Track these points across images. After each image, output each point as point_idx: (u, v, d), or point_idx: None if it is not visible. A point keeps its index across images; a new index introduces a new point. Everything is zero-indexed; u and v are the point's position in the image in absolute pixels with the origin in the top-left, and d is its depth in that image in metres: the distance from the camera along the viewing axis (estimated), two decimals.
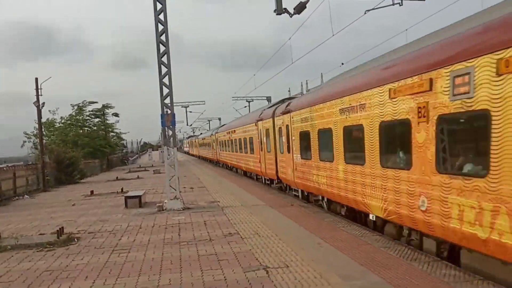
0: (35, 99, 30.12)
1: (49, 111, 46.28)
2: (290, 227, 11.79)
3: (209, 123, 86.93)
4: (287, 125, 17.91)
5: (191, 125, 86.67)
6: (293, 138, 17.03)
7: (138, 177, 35.00)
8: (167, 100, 16.53)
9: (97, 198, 21.89)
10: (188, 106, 66.72)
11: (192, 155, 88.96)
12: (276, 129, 20.01)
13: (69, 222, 14.71)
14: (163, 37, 16.32)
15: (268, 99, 51.73)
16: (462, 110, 6.93)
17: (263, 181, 24.63)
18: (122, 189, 24.53)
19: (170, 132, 16.94)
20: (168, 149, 16.98)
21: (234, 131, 33.23)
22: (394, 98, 8.95)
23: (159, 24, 16.22)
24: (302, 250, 9.25)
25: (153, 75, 16.39)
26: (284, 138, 18.50)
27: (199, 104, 66.38)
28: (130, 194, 18.76)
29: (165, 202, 16.33)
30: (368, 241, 9.79)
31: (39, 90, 29.97)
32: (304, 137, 15.54)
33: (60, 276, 8.42)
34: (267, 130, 21.75)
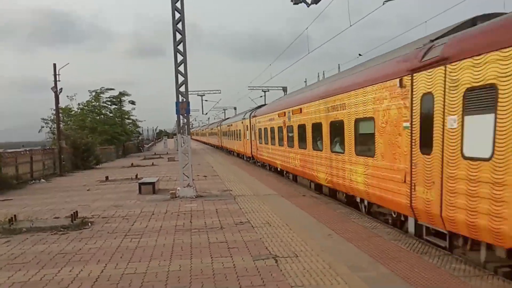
0: (53, 85, 30.45)
1: (67, 96, 46.75)
2: (301, 217, 11.80)
3: (224, 112, 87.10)
4: (253, 124, 30.94)
5: (206, 113, 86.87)
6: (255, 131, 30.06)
7: (152, 164, 35.30)
8: (182, 88, 16.58)
9: (111, 184, 22.15)
10: (204, 95, 66.78)
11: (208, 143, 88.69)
12: (251, 125, 31.83)
13: (84, 206, 14.93)
14: (179, 25, 16.32)
15: (284, 89, 51.59)
16: None
17: (245, 158, 37.31)
18: (136, 175, 24.77)
19: (185, 120, 17.02)
20: (182, 137, 17.07)
21: (232, 124, 43.89)
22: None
23: (175, 12, 16.21)
24: (312, 240, 9.27)
25: (170, 63, 16.44)
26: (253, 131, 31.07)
27: (214, 93, 66.40)
28: (144, 180, 18.94)
29: (178, 190, 16.46)
30: (379, 233, 9.76)
31: (57, 76, 30.30)
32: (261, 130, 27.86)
33: (73, 259, 8.56)
34: (247, 126, 33.34)
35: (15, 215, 12.37)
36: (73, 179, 26.45)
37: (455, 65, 7.54)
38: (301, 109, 17.73)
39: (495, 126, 6.53)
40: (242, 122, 36.91)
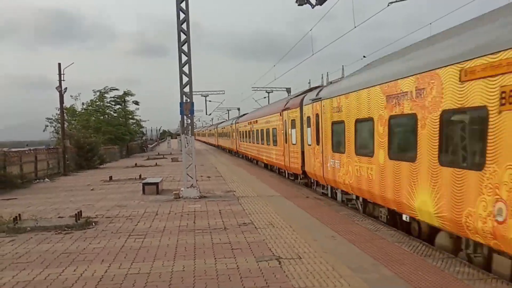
0: (56, 84, 30.53)
1: (71, 96, 46.93)
2: (305, 219, 11.81)
3: (228, 113, 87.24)
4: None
5: (210, 114, 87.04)
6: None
7: (156, 165, 35.36)
8: (187, 89, 16.61)
9: (115, 184, 22.21)
10: (207, 95, 66.92)
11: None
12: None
13: (88, 206, 14.98)
14: (184, 26, 16.36)
15: (288, 90, 51.63)
16: None
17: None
18: (140, 175, 24.82)
19: (189, 121, 17.04)
20: (186, 137, 17.10)
21: (256, 121, 31.69)
22: None
23: (180, 13, 16.26)
24: (315, 242, 9.28)
25: (174, 63, 16.47)
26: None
27: (218, 94, 66.55)
28: (147, 181, 18.98)
29: (182, 190, 16.49)
30: (382, 235, 9.76)
31: (62, 75, 30.39)
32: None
33: (77, 259, 8.60)
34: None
35: (19, 214, 12.41)
36: (77, 178, 26.53)
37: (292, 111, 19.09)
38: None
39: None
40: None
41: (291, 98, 22.78)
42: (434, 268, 7.34)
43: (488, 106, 6.63)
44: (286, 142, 21.73)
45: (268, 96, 55.19)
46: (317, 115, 16.09)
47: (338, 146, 13.91)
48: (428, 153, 8.42)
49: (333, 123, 14.27)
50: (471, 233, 7.27)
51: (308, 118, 17.55)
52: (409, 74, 9.08)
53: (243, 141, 39.33)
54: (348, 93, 12.79)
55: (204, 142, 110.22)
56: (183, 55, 16.50)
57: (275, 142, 24.68)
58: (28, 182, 23.85)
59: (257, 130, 31.09)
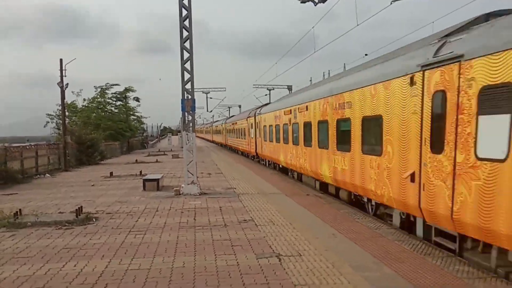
0: (59, 80, 30.56)
1: (72, 92, 46.91)
2: (305, 216, 11.82)
3: (229, 110, 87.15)
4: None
5: (211, 111, 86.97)
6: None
7: (157, 161, 35.39)
8: (188, 86, 16.61)
9: (116, 180, 22.22)
10: (209, 92, 66.94)
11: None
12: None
13: (88, 202, 14.99)
14: (186, 23, 16.35)
15: (289, 87, 51.56)
16: None
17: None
18: (140, 172, 24.84)
19: (190, 117, 17.04)
20: (187, 134, 17.10)
21: (236, 122, 43.66)
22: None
23: (183, 9, 16.24)
24: (316, 239, 9.28)
25: (176, 60, 16.48)
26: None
27: (220, 91, 66.50)
28: (148, 177, 18.98)
29: (182, 187, 16.50)
30: (383, 233, 9.76)
31: (63, 72, 30.40)
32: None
33: (78, 254, 8.61)
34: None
35: (20, 209, 12.44)
36: (78, 174, 26.55)
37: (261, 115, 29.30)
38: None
39: None
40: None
41: (252, 110, 35.08)
42: (434, 267, 7.34)
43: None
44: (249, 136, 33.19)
45: (269, 94, 55.14)
46: (258, 122, 30.45)
47: (267, 137, 26.71)
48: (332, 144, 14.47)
49: (264, 126, 27.28)
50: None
51: (257, 123, 31.06)
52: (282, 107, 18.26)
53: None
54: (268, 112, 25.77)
55: (209, 140, 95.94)
56: (185, 52, 16.49)
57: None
58: (29, 177, 23.89)
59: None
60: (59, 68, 30.24)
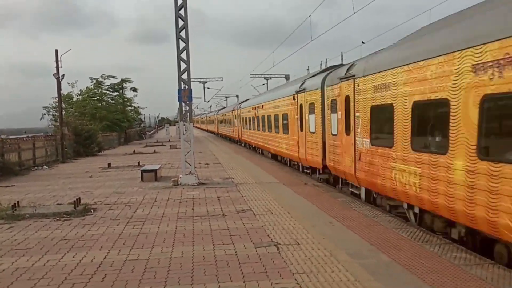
0: (55, 71, 30.40)
1: (68, 83, 46.72)
2: (303, 205, 11.85)
3: (226, 99, 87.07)
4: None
5: (208, 101, 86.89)
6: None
7: (154, 152, 35.38)
8: (185, 76, 16.55)
9: (114, 171, 22.22)
10: (206, 82, 66.78)
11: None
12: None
13: (86, 193, 14.99)
14: (181, 12, 16.23)
15: (287, 77, 51.53)
16: None
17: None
18: (138, 162, 24.82)
19: (187, 108, 17.00)
20: (184, 124, 17.06)
21: (225, 114, 41.25)
22: None
23: None
24: (313, 228, 9.32)
25: (173, 50, 16.35)
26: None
27: (217, 81, 66.41)
28: (146, 168, 18.98)
29: (180, 177, 16.51)
30: (380, 222, 9.80)
31: (59, 62, 30.22)
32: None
33: (76, 245, 8.63)
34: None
35: (18, 201, 12.44)
36: (75, 165, 26.53)
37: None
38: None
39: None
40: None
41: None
42: (431, 254, 7.38)
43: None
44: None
45: (267, 83, 55.08)
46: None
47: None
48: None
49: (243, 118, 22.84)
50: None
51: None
52: None
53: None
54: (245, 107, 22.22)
55: (205, 130, 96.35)
56: (181, 42, 16.40)
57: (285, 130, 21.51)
58: (26, 169, 23.85)
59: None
60: (55, 59, 30.07)
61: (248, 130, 35.11)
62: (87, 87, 49.26)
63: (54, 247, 8.57)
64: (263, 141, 28.43)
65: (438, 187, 8.17)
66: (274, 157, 26.34)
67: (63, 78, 30.97)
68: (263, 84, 56.30)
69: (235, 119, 42.73)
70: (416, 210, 9.59)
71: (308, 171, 18.52)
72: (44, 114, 43.90)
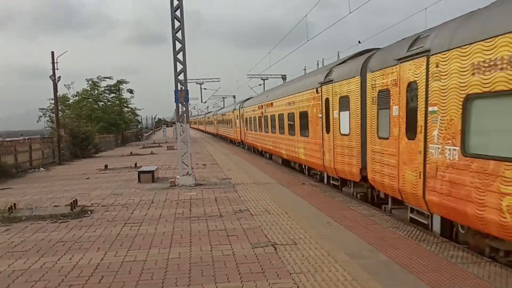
0: (57, 73, 30.39)
1: (64, 85, 46.64)
2: (300, 205, 11.84)
3: (223, 100, 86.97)
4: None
5: (205, 102, 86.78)
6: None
7: (151, 153, 35.32)
8: (181, 76, 16.52)
9: (111, 172, 22.17)
10: (203, 83, 66.65)
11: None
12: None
13: (83, 195, 14.95)
14: (178, 13, 16.22)
15: (283, 77, 51.55)
16: None
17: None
18: (135, 164, 24.79)
19: (184, 109, 16.98)
20: (181, 125, 17.04)
21: (225, 114, 36.91)
22: None
23: None
24: (311, 228, 9.31)
25: (170, 51, 16.33)
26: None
27: (214, 81, 66.27)
28: (143, 169, 18.94)
29: (177, 178, 16.49)
30: (378, 221, 9.80)
31: (55, 64, 30.16)
32: None
33: (73, 247, 8.60)
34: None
35: (14, 204, 12.40)
36: (72, 167, 26.46)
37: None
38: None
39: None
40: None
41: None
42: (428, 252, 7.39)
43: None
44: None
45: (264, 83, 55.07)
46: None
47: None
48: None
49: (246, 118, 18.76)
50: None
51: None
52: None
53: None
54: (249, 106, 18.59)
55: (203, 131, 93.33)
56: (177, 43, 16.38)
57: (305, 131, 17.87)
58: (23, 171, 23.77)
59: None
60: (51, 61, 30.01)
61: (252, 132, 31.23)
62: (83, 89, 49.19)
63: (51, 249, 8.54)
64: (272, 144, 24.27)
65: None
66: (286, 163, 22.40)
67: (59, 80, 30.94)
68: (260, 85, 56.30)
69: (237, 119, 39.08)
70: None
71: (336, 183, 14.95)
72: (41, 116, 43.83)
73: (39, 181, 19.99)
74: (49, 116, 42.19)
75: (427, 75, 8.53)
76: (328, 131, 14.82)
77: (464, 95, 7.36)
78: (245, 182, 16.57)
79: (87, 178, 20.06)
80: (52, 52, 30.18)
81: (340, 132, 13.74)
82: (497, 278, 6.17)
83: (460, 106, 7.46)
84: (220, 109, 65.10)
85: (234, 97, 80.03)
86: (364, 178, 12.24)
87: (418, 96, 8.87)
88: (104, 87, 50.89)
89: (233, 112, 42.40)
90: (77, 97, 48.11)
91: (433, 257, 7.15)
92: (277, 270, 6.79)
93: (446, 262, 6.88)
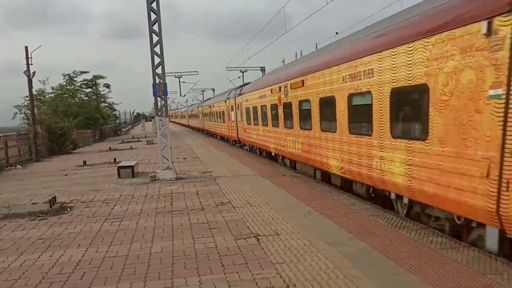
0: (32, 68, 29.84)
1: (39, 81, 45.82)
2: (281, 196, 11.90)
3: (202, 93, 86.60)
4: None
5: (184, 95, 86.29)
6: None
7: (131, 148, 35.01)
8: (159, 70, 16.37)
9: (89, 168, 21.91)
10: (181, 77, 66.17)
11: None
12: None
13: (62, 191, 14.76)
14: (154, 5, 16.03)
15: (262, 69, 51.47)
16: None
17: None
18: (115, 159, 24.54)
19: (162, 102, 16.85)
20: (160, 119, 16.92)
21: (213, 105, 41.37)
22: None
23: None
24: (292, 218, 9.38)
25: (147, 44, 16.14)
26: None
27: (192, 75, 65.84)
28: (122, 164, 18.76)
29: (158, 172, 16.39)
30: (358, 209, 9.92)
31: (30, 59, 29.59)
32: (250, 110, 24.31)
33: (53, 244, 8.50)
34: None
35: None
36: (50, 164, 26.06)
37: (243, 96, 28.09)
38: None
39: None
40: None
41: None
42: (408, 239, 7.52)
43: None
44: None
45: (243, 76, 54.93)
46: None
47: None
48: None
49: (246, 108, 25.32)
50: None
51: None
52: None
53: None
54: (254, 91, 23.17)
55: (185, 125, 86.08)
56: (154, 35, 16.21)
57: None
58: None
59: None
60: (25, 56, 29.43)
61: (257, 127, 22.76)
62: (59, 84, 48.37)
63: (30, 247, 8.43)
64: (297, 146, 15.74)
65: None
66: (326, 176, 14.17)
67: (33, 75, 30.34)
68: (239, 77, 56.18)
69: (231, 111, 31.08)
70: None
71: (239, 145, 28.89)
72: (16, 113, 42.99)
73: (16, 178, 19.65)
74: (24, 113, 41.41)
75: (239, 102, 26.05)
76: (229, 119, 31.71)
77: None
78: (226, 175, 16.56)
79: (65, 175, 19.78)
80: (26, 47, 29.59)
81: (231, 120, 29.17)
82: (475, 262, 6.32)
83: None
84: (207, 100, 55.75)
85: (213, 90, 79.72)
86: (239, 140, 27.87)
87: (236, 109, 26.71)
88: (81, 81, 50.16)
89: (225, 102, 33.71)
90: (53, 94, 47.29)
91: (412, 243, 7.28)
92: (260, 261, 6.83)
93: (425, 248, 7.01)
